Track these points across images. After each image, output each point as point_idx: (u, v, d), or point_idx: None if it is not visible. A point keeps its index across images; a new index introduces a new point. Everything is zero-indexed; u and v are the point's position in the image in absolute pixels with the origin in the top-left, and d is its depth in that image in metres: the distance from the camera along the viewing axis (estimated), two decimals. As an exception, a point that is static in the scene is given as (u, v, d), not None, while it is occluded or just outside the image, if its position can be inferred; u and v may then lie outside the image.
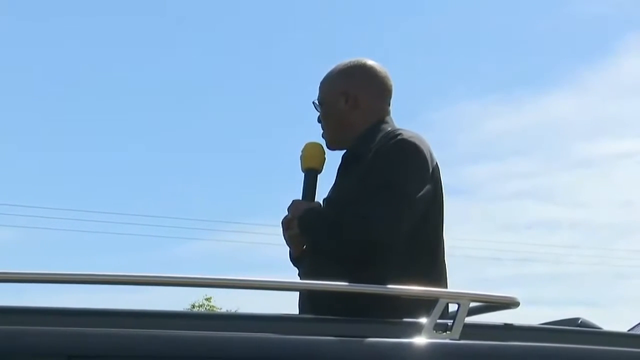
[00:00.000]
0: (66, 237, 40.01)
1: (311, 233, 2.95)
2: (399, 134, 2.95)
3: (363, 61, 3.15)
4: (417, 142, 2.94)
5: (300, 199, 3.04)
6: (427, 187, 2.91)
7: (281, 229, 3.04)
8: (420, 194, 2.87)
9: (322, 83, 3.17)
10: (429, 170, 2.94)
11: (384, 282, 2.51)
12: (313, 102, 3.15)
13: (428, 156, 2.95)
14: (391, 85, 3.15)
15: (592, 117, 41.50)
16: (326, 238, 2.91)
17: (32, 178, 38.31)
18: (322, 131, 3.15)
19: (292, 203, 3.03)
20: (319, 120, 3.16)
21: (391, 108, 3.16)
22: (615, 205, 43.45)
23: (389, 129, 3.03)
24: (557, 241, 39.36)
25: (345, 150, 3.09)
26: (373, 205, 2.80)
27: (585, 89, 40.47)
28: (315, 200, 3.05)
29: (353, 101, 3.08)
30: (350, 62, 3.16)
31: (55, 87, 39.35)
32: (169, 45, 40.63)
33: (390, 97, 3.15)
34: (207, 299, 27.50)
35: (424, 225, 2.91)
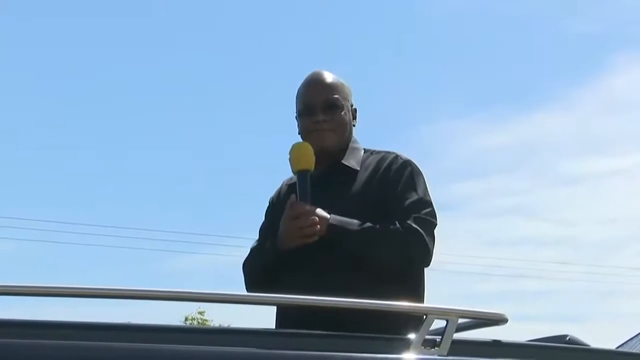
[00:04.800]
0: (60, 249, 39.93)
1: (350, 240, 2.96)
2: (404, 157, 3.17)
3: None
4: None
5: (298, 200, 3.00)
6: None
7: (289, 217, 2.98)
8: None
9: (338, 88, 3.22)
10: None
11: (412, 295, 2.87)
12: (329, 99, 3.17)
13: None
14: None
15: (580, 134, 41.56)
16: (373, 249, 2.96)
17: (26, 190, 38.24)
18: (320, 130, 3.14)
19: (302, 206, 2.97)
20: (325, 117, 3.16)
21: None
22: (603, 223, 43.45)
23: (364, 148, 3.25)
24: (545, 258, 39.40)
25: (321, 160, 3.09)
26: (420, 221, 3.00)
27: (573, 106, 40.57)
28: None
29: (354, 116, 3.27)
30: (339, 76, 3.28)
31: (54, 90, 39.30)
32: (169, 45, 40.60)
33: None
34: (200, 313, 27.49)
35: None
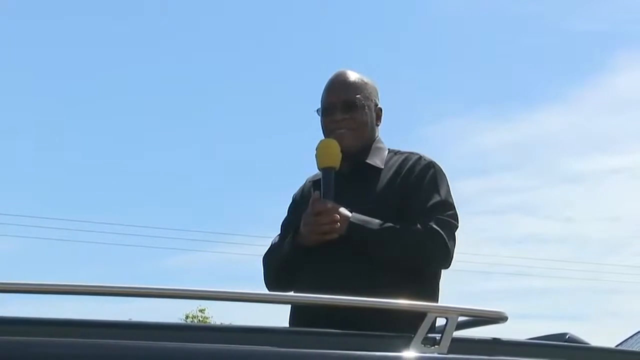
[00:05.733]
0: (59, 246, 39.95)
1: (371, 239, 2.97)
2: (427, 158, 3.18)
3: None
4: None
5: (322, 196, 3.01)
6: None
7: (311, 213, 2.99)
8: None
9: (357, 85, 3.23)
10: None
11: (428, 295, 2.93)
12: (350, 98, 3.17)
13: None
14: None
15: (583, 132, 41.51)
16: (393, 249, 2.98)
17: (23, 187, 38.25)
18: (340, 130, 3.14)
19: (328, 204, 2.98)
20: (344, 115, 3.16)
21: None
22: (605, 221, 43.51)
23: (389, 148, 3.25)
24: (546, 256, 39.46)
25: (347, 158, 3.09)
26: (441, 223, 3.02)
27: (576, 104, 40.56)
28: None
29: (379, 120, 3.28)
30: (366, 76, 3.29)
31: (53, 91, 39.29)
32: (168, 46, 40.53)
33: None
34: (200, 310, 27.51)
35: None
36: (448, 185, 3.14)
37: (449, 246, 3.02)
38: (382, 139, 3.28)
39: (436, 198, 3.07)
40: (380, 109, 3.28)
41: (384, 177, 3.13)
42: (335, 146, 3.06)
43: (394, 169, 3.15)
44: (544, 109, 40.15)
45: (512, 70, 41.62)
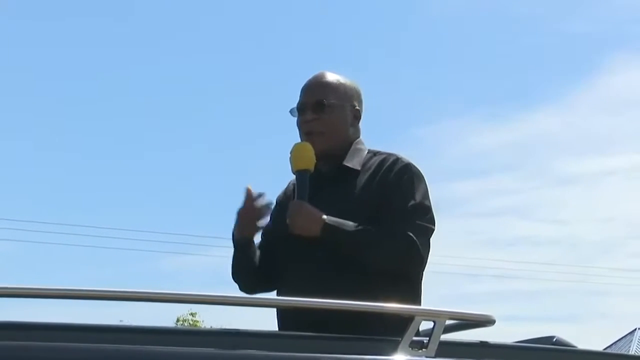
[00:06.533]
0: (51, 250, 39.83)
1: (344, 241, 2.99)
2: (405, 160, 3.16)
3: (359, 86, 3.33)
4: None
5: (296, 199, 3.05)
6: None
7: (293, 210, 3.04)
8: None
9: (333, 87, 3.23)
10: None
11: (405, 297, 2.82)
12: (318, 101, 3.17)
13: None
14: None
15: (577, 134, 41.61)
16: (365, 252, 2.98)
17: (16, 191, 38.11)
18: (309, 134, 3.16)
19: (298, 204, 3.04)
20: (314, 117, 3.17)
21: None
22: (598, 223, 43.55)
23: (369, 149, 3.23)
24: (536, 258, 39.40)
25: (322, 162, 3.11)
26: (416, 228, 3.01)
27: (571, 106, 40.61)
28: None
29: (357, 120, 3.26)
30: (353, 80, 3.30)
31: (51, 91, 39.18)
32: (167, 46, 40.47)
33: None
34: (191, 314, 27.48)
35: None
36: (425, 188, 3.13)
37: (422, 251, 3.02)
38: (364, 140, 3.26)
39: (412, 201, 3.06)
40: (358, 111, 3.26)
41: (361, 179, 3.12)
42: (308, 149, 3.09)
43: (371, 170, 3.14)
44: (538, 110, 40.28)
45: (509, 71, 41.75)
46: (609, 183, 41.61)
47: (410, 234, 2.99)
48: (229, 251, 3.24)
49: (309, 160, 3.07)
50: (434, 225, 3.09)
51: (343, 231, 2.99)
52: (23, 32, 38.37)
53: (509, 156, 42.43)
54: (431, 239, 3.09)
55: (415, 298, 3.07)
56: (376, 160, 3.18)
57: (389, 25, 41.09)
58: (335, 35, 40.22)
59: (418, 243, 3.00)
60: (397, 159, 3.16)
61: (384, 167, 3.13)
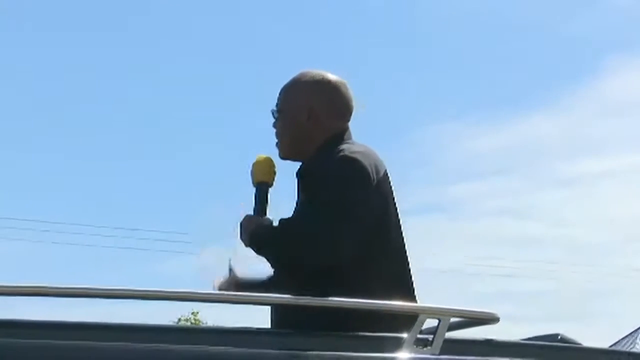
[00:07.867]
0: (51, 249, 39.83)
1: (261, 250, 2.92)
2: (341, 151, 2.93)
3: (329, 78, 3.11)
4: (359, 157, 2.90)
5: (252, 213, 3.02)
6: (372, 200, 2.87)
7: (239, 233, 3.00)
8: (363, 208, 2.82)
9: (285, 91, 3.13)
10: (371, 184, 2.88)
11: (349, 291, 2.54)
12: (272, 110, 3.12)
13: (371, 169, 2.90)
14: (353, 106, 3.13)
15: (574, 136, 41.56)
16: (274, 255, 2.89)
17: (17, 190, 38.16)
18: (276, 139, 3.13)
19: (244, 217, 3.00)
20: (274, 126, 3.13)
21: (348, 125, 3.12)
22: (597, 224, 43.58)
23: (342, 146, 2.98)
24: (539, 258, 39.49)
25: (299, 165, 3.05)
26: (315, 225, 2.75)
27: (567, 108, 40.52)
28: (268, 215, 3.02)
29: (315, 118, 3.06)
30: (316, 75, 3.12)
31: (50, 91, 39.25)
32: (166, 46, 40.49)
33: (350, 116, 3.13)
34: (193, 313, 27.50)
35: (378, 239, 2.87)
36: (344, 179, 2.84)
37: (324, 244, 2.73)
38: (331, 141, 3.02)
39: (322, 194, 2.82)
40: (312, 108, 3.05)
41: (305, 183, 2.97)
42: (267, 163, 3.08)
43: (314, 172, 2.95)
44: (536, 113, 40.22)
45: (504, 74, 41.67)
46: (606, 185, 41.63)
47: (303, 232, 2.77)
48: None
49: (267, 173, 3.07)
50: (346, 217, 2.77)
51: (259, 236, 2.91)
52: (23, 32, 38.44)
53: (506, 158, 42.46)
54: (353, 229, 2.76)
55: (367, 293, 2.63)
56: (322, 159, 2.96)
57: (386, 29, 41.10)
58: (333, 39, 40.23)
59: (314, 238, 2.74)
60: (336, 150, 2.93)
61: (319, 167, 2.93)
